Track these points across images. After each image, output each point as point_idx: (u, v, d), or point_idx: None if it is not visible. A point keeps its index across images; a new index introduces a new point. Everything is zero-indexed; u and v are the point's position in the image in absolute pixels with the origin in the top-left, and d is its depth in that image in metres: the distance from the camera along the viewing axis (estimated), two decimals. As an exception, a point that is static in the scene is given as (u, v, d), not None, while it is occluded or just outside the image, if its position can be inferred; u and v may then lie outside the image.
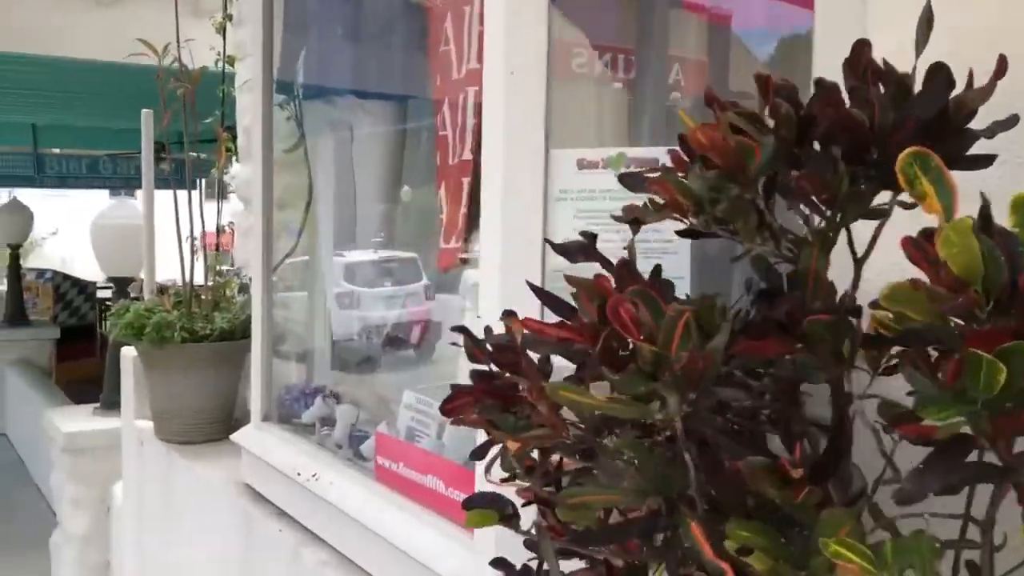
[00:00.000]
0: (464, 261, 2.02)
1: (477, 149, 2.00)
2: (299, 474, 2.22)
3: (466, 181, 2.07)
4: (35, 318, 9.38)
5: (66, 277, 10.81)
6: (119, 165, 16.20)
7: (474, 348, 0.88)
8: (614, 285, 0.89)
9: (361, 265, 2.85)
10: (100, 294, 10.65)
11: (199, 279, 3.38)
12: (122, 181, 16.64)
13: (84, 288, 11.00)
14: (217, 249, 3.41)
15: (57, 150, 15.92)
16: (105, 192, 24.95)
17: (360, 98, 2.64)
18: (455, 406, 0.86)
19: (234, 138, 3.72)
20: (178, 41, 2.93)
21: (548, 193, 1.49)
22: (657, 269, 0.95)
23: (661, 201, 0.97)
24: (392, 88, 2.58)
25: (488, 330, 1.00)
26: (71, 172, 15.42)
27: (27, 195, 11.68)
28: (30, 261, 18.54)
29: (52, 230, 24.14)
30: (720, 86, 1.76)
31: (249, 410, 3.43)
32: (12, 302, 8.49)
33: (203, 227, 3.48)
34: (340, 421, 2.35)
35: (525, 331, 0.94)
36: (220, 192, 3.65)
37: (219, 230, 3.79)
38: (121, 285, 4.59)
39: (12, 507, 6.57)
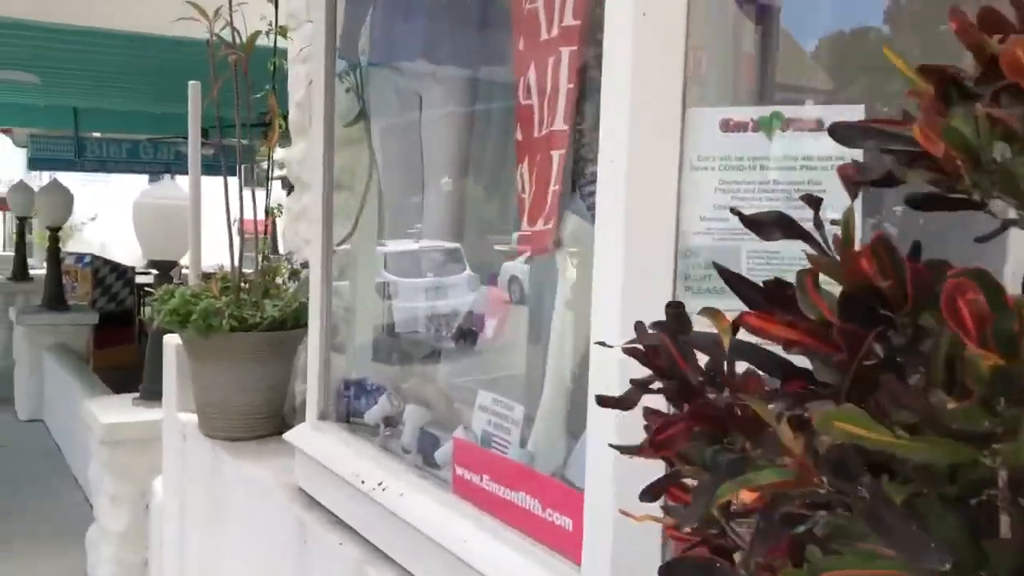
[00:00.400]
0: (557, 244, 1.77)
1: (573, 118, 1.76)
2: (363, 482, 1.98)
3: (557, 154, 1.81)
4: (73, 303, 9.24)
5: (105, 262, 10.70)
6: (160, 150, 16.14)
7: (677, 354, 0.63)
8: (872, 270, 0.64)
9: (414, 254, 2.61)
10: (138, 279, 10.56)
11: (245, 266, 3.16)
12: (162, 166, 16.60)
13: (123, 273, 10.90)
14: (265, 234, 3.18)
15: (98, 134, 15.88)
16: (144, 177, 25.10)
17: (432, 63, 2.39)
18: (670, 435, 0.61)
19: (284, 117, 3.49)
20: (230, 3, 2.70)
21: (684, 160, 1.24)
22: (917, 247, 0.70)
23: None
24: (467, 55, 2.33)
25: (642, 328, 0.76)
26: (111, 156, 15.38)
27: (67, 181, 11.55)
28: (69, 247, 18.56)
29: (91, 216, 24.27)
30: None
31: (298, 406, 3.20)
32: (51, 286, 8.32)
33: (254, 212, 3.26)
34: (409, 423, 2.11)
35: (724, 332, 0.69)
36: (270, 171, 3.43)
37: (267, 212, 3.57)
38: (164, 269, 4.37)
39: (49, 497, 6.41)
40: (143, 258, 4.27)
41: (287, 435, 2.49)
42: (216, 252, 3.30)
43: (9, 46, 7.25)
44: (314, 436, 2.39)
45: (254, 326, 2.91)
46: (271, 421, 3.07)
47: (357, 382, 2.44)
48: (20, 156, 38.45)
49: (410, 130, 2.48)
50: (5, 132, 24.22)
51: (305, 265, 3.35)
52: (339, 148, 2.60)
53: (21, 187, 10.62)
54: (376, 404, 2.28)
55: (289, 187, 3.60)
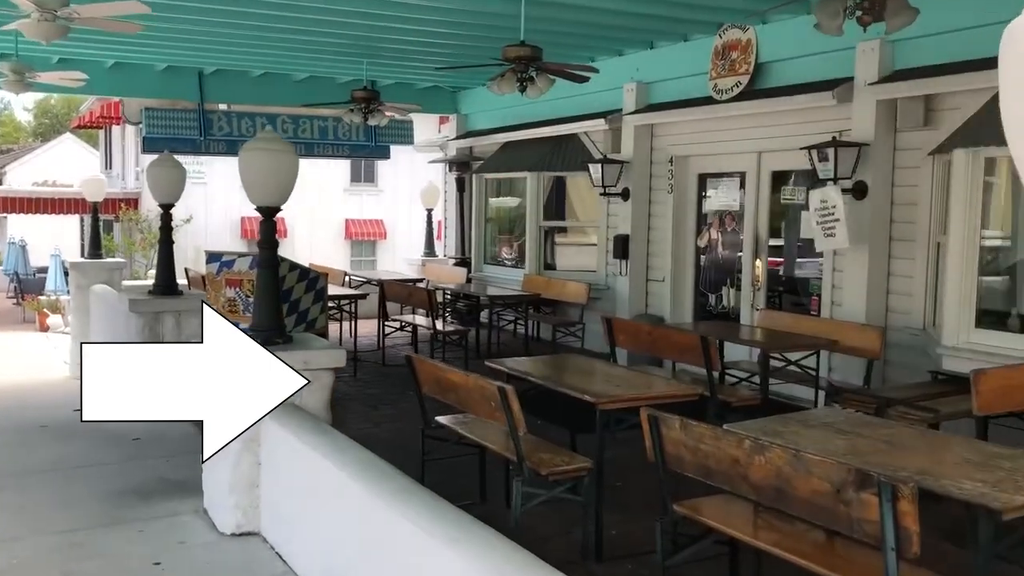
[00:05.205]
0: None
1: None
2: None
3: None
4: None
5: (292, 266, 7.45)
6: (300, 125, 12.98)
7: None
8: None
9: None
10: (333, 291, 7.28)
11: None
12: (302, 147, 13.45)
13: (313, 281, 7.66)
14: None
15: (224, 106, 12.79)
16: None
17: None
18: None
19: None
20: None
21: None
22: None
23: None
24: None
25: None
26: (244, 133, 12.21)
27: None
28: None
29: (186, 217, 21.31)
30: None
31: None
32: (266, 308, 4.84)
33: None
34: None
35: None
36: None
37: None
38: None
39: None
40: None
41: None
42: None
43: None
44: None
45: None
46: None
47: None
48: (94, 161, 35.63)
49: None
50: (110, 119, 21.40)
51: None
52: None
53: (167, 161, 7.41)
54: None
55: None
